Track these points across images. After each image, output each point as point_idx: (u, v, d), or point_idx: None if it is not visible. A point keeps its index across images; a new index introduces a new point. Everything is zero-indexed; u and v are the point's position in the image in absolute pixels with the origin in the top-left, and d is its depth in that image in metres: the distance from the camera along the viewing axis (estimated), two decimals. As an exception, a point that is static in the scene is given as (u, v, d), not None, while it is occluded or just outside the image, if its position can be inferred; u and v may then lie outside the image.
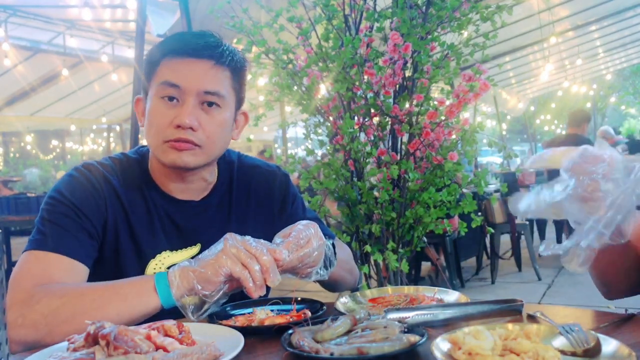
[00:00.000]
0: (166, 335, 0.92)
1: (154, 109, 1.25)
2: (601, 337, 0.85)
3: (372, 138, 2.45)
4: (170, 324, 0.94)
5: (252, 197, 1.43)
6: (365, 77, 2.40)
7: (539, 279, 5.35)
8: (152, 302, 1.08)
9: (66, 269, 1.17)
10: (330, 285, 1.36)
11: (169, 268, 1.12)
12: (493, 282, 5.37)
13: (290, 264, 1.10)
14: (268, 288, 1.43)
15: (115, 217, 1.27)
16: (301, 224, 1.16)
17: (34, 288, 1.10)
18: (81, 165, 1.32)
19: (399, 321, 0.97)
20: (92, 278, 1.21)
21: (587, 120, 6.38)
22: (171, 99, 1.23)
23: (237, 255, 1.04)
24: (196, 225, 1.34)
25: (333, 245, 1.25)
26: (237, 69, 1.30)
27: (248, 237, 1.09)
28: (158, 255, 1.29)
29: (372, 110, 2.45)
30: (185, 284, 1.05)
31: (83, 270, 1.20)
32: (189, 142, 1.22)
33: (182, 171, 1.29)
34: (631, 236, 1.24)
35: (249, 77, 2.64)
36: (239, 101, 1.34)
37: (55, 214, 1.22)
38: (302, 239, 1.12)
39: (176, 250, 1.31)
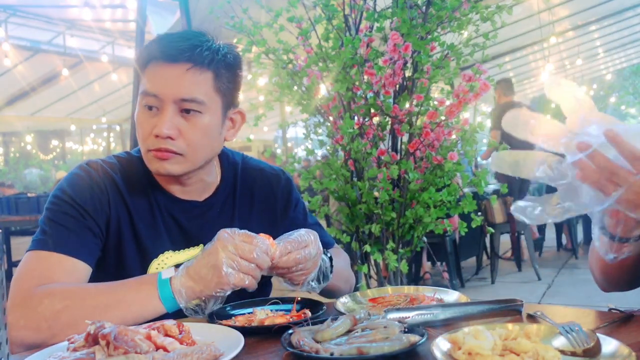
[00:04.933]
0: (166, 335, 0.92)
1: (138, 117, 1.24)
2: (601, 337, 0.85)
3: (372, 138, 2.45)
4: (170, 324, 0.94)
5: (256, 198, 1.42)
6: (365, 77, 2.40)
7: (539, 279, 5.34)
8: (157, 310, 1.09)
9: (68, 268, 1.17)
10: (325, 292, 1.37)
11: (176, 266, 1.14)
12: (493, 282, 5.37)
13: (287, 264, 1.11)
14: (268, 287, 1.44)
15: (118, 216, 1.27)
16: (303, 230, 1.17)
17: (35, 289, 1.10)
18: (85, 163, 1.31)
19: (399, 321, 0.97)
20: (94, 276, 1.21)
21: (587, 120, 6.36)
22: (150, 107, 1.21)
23: (239, 266, 1.06)
24: (199, 226, 1.33)
25: (330, 259, 1.26)
26: (221, 68, 1.23)
27: (243, 232, 1.09)
28: (161, 255, 1.29)
29: (372, 110, 2.45)
30: (191, 295, 1.08)
31: (85, 269, 1.19)
32: (169, 151, 1.21)
33: (172, 177, 1.28)
34: None
35: (249, 77, 2.65)
36: (229, 102, 1.28)
37: (59, 213, 1.22)
38: (302, 242, 1.13)
39: (179, 250, 1.31)
